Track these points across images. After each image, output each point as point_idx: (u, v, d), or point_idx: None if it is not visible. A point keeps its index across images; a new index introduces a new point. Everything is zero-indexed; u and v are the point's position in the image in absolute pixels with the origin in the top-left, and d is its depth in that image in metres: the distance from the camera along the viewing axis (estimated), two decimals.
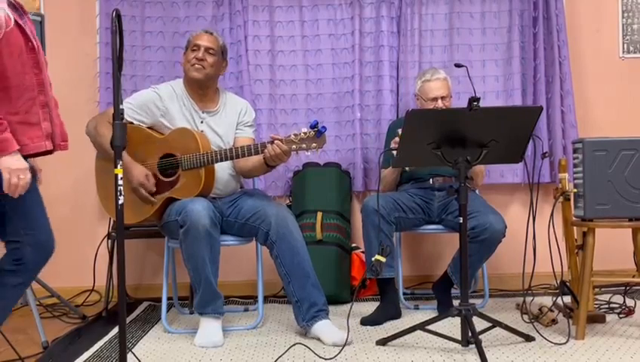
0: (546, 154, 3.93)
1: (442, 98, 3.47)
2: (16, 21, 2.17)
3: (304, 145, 2.94)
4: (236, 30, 4.00)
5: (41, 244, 2.40)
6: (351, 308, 3.00)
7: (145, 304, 3.87)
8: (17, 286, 2.41)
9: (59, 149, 2.39)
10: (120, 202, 2.11)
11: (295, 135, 2.95)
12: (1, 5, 2.12)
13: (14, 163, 2.12)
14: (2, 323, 2.46)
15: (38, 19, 3.43)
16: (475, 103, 2.66)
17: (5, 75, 2.16)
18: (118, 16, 2.09)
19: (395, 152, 3.06)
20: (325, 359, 2.68)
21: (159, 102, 3.24)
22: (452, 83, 3.59)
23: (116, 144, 2.10)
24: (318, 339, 2.95)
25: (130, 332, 3.18)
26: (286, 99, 4.10)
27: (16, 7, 2.25)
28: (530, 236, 2.93)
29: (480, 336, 2.61)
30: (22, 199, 2.25)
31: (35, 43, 2.27)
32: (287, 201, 4.01)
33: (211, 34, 3.29)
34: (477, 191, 3.61)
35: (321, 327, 2.97)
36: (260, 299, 3.34)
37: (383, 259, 3.07)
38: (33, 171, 2.40)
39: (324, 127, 2.92)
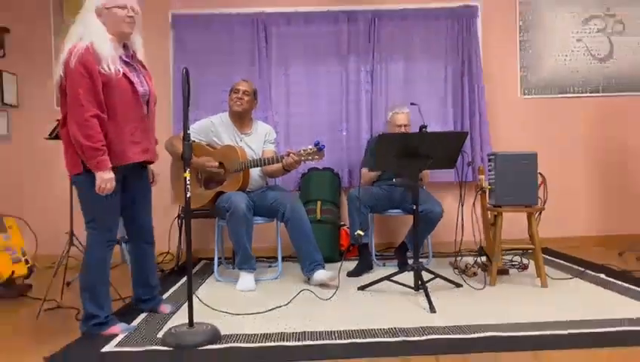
0: (470, 163, 3.95)
1: (405, 126, 3.47)
2: (124, 74, 2.17)
3: (309, 157, 2.96)
4: (264, 79, 4.00)
5: (140, 226, 2.47)
6: (340, 265, 3.03)
7: (203, 262, 3.89)
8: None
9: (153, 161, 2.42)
10: (188, 195, 2.13)
11: (303, 150, 2.97)
12: (115, 64, 2.14)
13: (105, 175, 2.12)
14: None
15: None
16: (424, 129, 2.71)
17: (115, 111, 2.16)
18: (186, 72, 2.11)
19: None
20: (323, 299, 2.71)
21: (212, 128, 3.27)
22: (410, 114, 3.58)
23: (185, 157, 2.12)
24: (318, 285, 2.98)
25: (193, 281, 3.14)
26: (297, 125, 4.09)
27: (130, 64, 2.26)
28: (459, 217, 2.95)
29: (426, 284, 2.64)
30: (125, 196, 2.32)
31: (141, 89, 2.25)
32: (298, 193, 3.99)
33: (247, 81, 3.31)
34: (424, 187, 3.59)
35: (318, 274, 3.00)
36: (279, 259, 3.34)
37: (362, 233, 3.10)
38: (153, 175, 2.52)
39: (323, 145, 2.94)
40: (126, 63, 2.23)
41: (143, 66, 2.35)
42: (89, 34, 2.11)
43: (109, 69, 2.10)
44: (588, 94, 4.19)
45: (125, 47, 2.28)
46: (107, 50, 2.11)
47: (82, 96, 2.05)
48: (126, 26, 2.19)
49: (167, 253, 3.94)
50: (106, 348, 2.05)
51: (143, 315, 2.48)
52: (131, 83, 2.21)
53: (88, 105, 2.06)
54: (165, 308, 2.53)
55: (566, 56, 4.18)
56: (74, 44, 2.10)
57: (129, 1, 2.20)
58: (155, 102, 2.38)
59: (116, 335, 2.19)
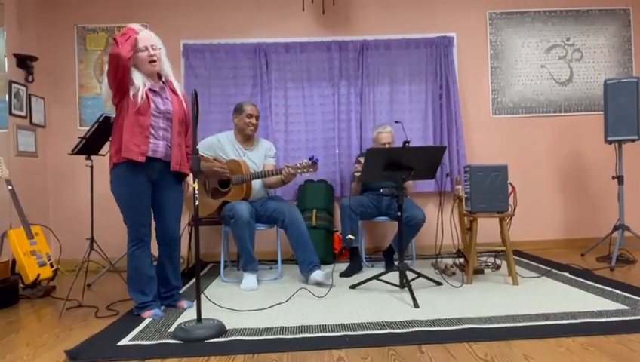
0: (449, 174, 3.97)
1: (389, 143, 3.45)
2: (147, 97, 2.30)
3: (305, 170, 2.96)
4: (265, 101, 4.01)
5: (165, 231, 2.53)
6: (334, 266, 3.03)
7: (210, 264, 3.86)
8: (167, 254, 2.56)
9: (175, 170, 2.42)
10: (196, 203, 2.12)
11: (300, 164, 2.97)
12: (139, 93, 2.28)
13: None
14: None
15: None
16: (407, 144, 2.71)
17: (131, 119, 2.27)
18: (196, 94, 2.12)
19: (357, 174, 3.09)
20: (319, 297, 2.69)
21: (218, 144, 3.26)
22: (393, 132, 3.58)
23: (194, 169, 2.11)
24: (315, 284, 2.95)
25: (202, 281, 3.18)
26: (294, 142, 4.09)
27: (156, 91, 2.36)
28: (439, 222, 2.97)
29: (410, 282, 2.64)
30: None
31: (162, 107, 2.35)
32: (295, 203, 4.00)
33: (255, 106, 3.30)
34: (408, 196, 3.59)
35: (315, 274, 2.98)
36: (279, 261, 3.33)
37: (352, 237, 3.10)
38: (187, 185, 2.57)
39: (317, 159, 2.95)
40: (153, 91, 2.35)
41: (174, 91, 2.44)
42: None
43: (134, 97, 2.27)
44: (550, 114, 4.24)
45: (160, 77, 2.42)
46: (135, 84, 2.29)
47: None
48: (149, 65, 2.34)
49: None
50: (122, 342, 2.02)
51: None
52: (149, 103, 2.31)
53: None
54: (183, 303, 2.54)
55: (531, 80, 4.24)
56: None
57: (147, 42, 2.33)
58: (182, 121, 2.42)
59: (144, 318, 2.33)
